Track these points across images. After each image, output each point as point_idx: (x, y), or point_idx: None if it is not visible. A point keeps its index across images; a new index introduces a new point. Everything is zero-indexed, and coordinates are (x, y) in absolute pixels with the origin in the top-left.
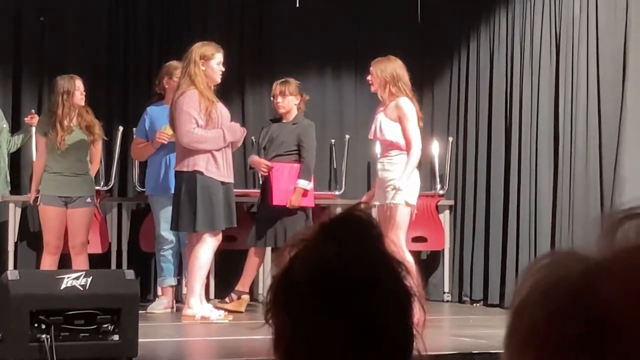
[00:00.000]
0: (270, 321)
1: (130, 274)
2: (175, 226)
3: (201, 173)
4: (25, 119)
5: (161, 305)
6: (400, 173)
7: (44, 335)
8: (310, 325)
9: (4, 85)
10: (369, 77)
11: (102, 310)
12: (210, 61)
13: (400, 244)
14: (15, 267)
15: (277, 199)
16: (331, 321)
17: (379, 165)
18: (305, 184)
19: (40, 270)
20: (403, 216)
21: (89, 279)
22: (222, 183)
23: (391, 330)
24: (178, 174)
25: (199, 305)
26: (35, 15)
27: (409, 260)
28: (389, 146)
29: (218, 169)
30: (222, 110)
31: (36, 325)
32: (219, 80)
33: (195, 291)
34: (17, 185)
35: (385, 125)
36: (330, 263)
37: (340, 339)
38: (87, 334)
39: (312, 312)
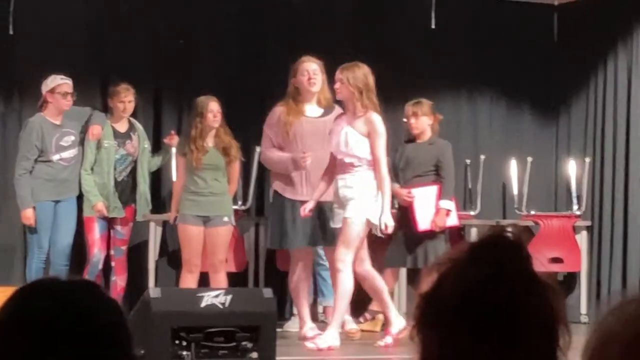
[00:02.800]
0: (416, 338)
1: (268, 292)
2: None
3: (276, 192)
4: (165, 139)
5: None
6: (362, 190)
7: (184, 352)
8: (457, 345)
9: (146, 106)
10: (336, 85)
11: (241, 328)
12: (297, 74)
13: (348, 260)
14: (155, 285)
15: (423, 225)
16: (478, 342)
17: (340, 182)
18: (448, 204)
19: (181, 288)
20: (358, 232)
21: (229, 297)
22: (301, 202)
23: (537, 353)
24: None
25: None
26: (175, 38)
27: (360, 272)
28: (353, 162)
29: (294, 187)
30: (302, 129)
31: (177, 342)
32: (311, 89)
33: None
34: (157, 204)
35: (352, 139)
36: (480, 285)
37: None
38: (227, 351)
39: (460, 332)
